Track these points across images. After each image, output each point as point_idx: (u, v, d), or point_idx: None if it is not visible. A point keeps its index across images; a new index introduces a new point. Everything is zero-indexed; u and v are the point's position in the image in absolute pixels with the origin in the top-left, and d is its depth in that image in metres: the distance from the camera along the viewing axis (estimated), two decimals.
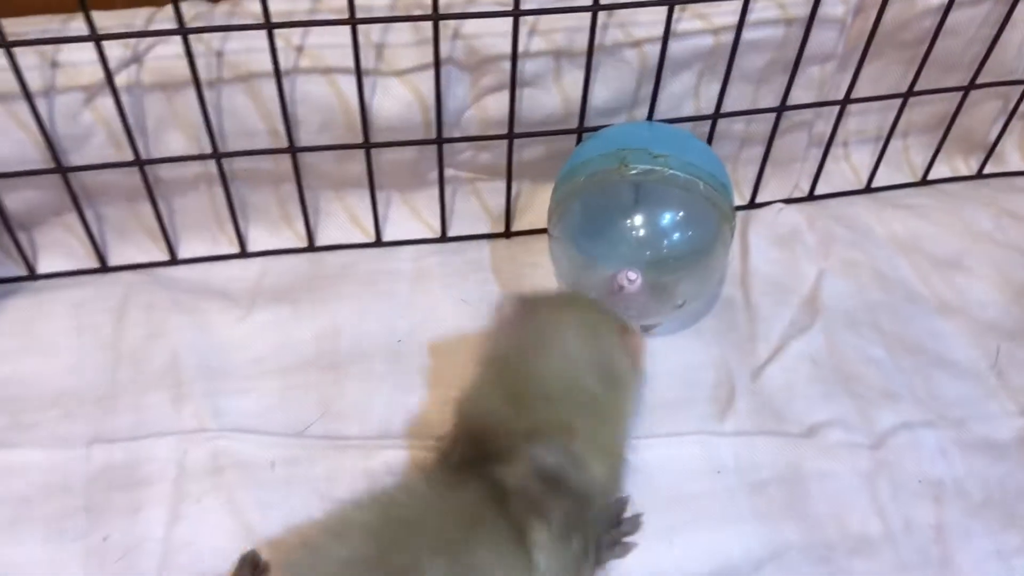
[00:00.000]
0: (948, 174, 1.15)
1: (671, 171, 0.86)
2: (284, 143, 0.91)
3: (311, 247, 1.00)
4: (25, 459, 0.83)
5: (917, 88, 1.01)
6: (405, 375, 0.90)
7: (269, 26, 0.81)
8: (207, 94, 0.86)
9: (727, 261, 0.96)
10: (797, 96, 1.00)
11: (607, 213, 0.88)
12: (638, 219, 0.87)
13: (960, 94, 1.04)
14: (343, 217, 1.02)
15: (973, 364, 0.95)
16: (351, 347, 0.92)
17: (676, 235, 0.87)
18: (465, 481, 0.72)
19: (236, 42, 0.86)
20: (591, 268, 0.89)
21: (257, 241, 1.01)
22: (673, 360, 0.94)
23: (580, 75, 0.91)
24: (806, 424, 0.89)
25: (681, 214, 0.87)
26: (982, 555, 0.80)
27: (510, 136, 0.94)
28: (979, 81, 1.02)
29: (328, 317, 0.94)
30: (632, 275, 0.85)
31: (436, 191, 0.99)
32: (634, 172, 0.86)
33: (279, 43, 0.85)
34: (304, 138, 0.92)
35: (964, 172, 1.15)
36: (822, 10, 0.91)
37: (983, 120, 1.11)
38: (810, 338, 0.96)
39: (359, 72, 0.85)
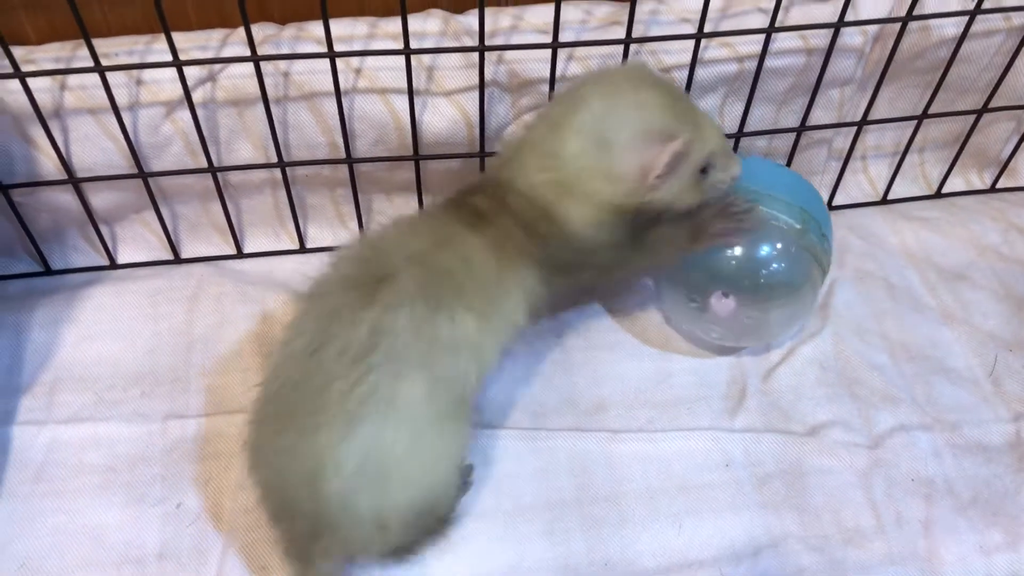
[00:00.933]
0: (962, 187, 1.21)
1: (774, 212, 0.91)
2: (342, 154, 1.00)
3: None
4: (110, 432, 0.94)
5: (932, 110, 1.07)
6: None
7: (332, 55, 0.89)
8: (274, 110, 0.95)
9: (815, 304, 1.01)
10: (817, 116, 1.06)
11: None
12: (737, 248, 0.91)
13: (974, 116, 1.10)
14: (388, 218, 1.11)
15: (971, 372, 1.01)
16: None
17: (771, 267, 0.92)
18: (445, 211, 0.87)
19: (301, 64, 0.95)
20: (685, 284, 0.96)
21: (315, 238, 1.10)
22: (691, 361, 1.02)
23: None
24: (810, 424, 0.97)
25: (778, 248, 0.92)
26: (966, 549, 0.88)
27: None
28: (992, 105, 1.08)
29: None
30: (724, 298, 0.92)
31: None
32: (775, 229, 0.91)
33: (340, 65, 0.93)
34: (360, 149, 1.00)
35: (978, 186, 1.21)
36: (841, 40, 0.97)
37: (997, 138, 1.17)
38: (819, 343, 1.03)
39: (411, 95, 0.94)
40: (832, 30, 0.96)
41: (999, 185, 1.21)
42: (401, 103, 0.96)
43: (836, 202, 1.17)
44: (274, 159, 0.99)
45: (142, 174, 0.98)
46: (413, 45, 0.91)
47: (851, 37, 0.99)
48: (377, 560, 0.85)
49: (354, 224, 1.09)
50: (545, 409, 0.97)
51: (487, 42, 0.92)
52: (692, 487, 0.92)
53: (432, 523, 0.85)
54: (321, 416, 0.75)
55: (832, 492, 0.92)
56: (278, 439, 0.77)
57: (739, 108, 1.03)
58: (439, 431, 0.80)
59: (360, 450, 0.75)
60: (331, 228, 1.10)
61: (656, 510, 0.90)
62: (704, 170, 0.85)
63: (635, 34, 0.93)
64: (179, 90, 0.92)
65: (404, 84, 0.94)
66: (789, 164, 1.11)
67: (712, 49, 0.98)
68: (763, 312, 0.94)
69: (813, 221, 0.93)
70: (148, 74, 0.94)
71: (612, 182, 0.82)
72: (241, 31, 0.93)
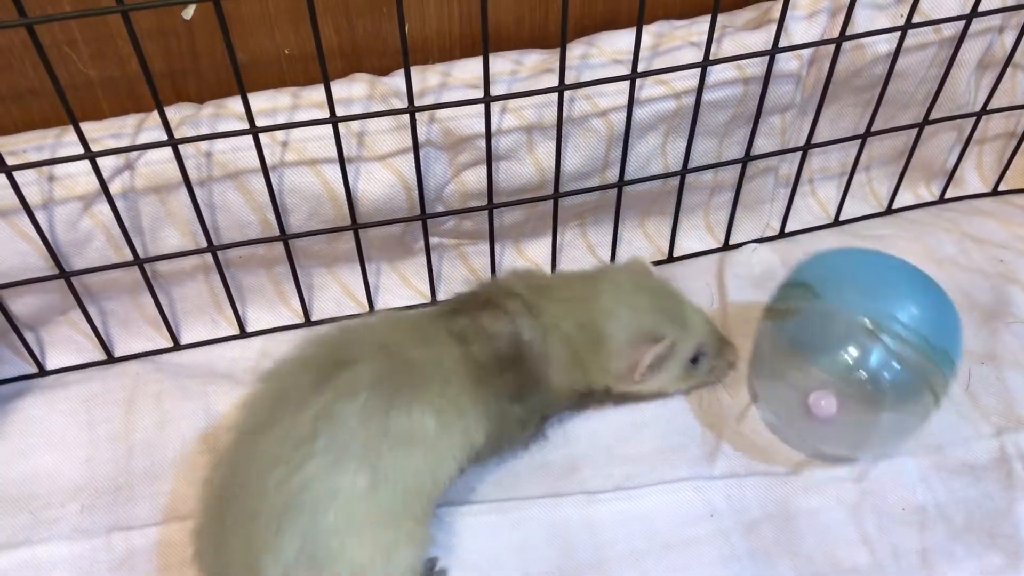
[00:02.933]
0: (912, 201, 1.19)
1: (900, 343, 0.83)
2: (275, 231, 0.95)
3: (308, 322, 1.05)
4: (50, 554, 0.87)
5: (874, 127, 1.06)
6: None
7: (254, 131, 0.85)
8: (199, 192, 0.91)
9: (921, 426, 0.90)
10: (761, 145, 1.05)
11: (828, 329, 0.86)
12: (853, 349, 0.84)
13: (916, 130, 1.09)
14: (336, 290, 1.06)
15: None
16: None
17: (884, 376, 0.83)
18: (438, 315, 0.89)
19: (223, 143, 0.90)
20: (791, 374, 0.88)
21: (256, 321, 1.05)
22: (661, 407, 0.98)
23: (552, 145, 0.95)
24: (792, 461, 0.93)
25: (895, 365, 0.83)
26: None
27: (490, 207, 0.98)
28: (933, 117, 1.07)
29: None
30: (826, 399, 0.84)
31: (423, 259, 1.04)
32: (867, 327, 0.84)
33: (265, 139, 0.89)
34: (294, 224, 0.96)
35: (927, 198, 1.20)
36: (777, 66, 0.96)
37: (941, 149, 1.16)
38: None
39: (343, 163, 0.90)
40: (767, 57, 0.94)
41: (948, 195, 1.20)
42: (333, 173, 0.92)
43: (789, 228, 1.15)
44: (203, 244, 0.94)
45: (63, 274, 0.92)
46: (340, 111, 0.87)
47: (786, 63, 0.97)
48: None
49: (296, 302, 1.04)
50: (516, 477, 0.93)
51: (417, 101, 0.89)
52: (678, 544, 0.88)
53: None
54: (259, 502, 0.73)
55: (823, 531, 0.88)
56: (220, 524, 0.75)
57: (681, 144, 1.01)
58: (385, 526, 0.77)
59: (297, 540, 0.73)
60: (272, 309, 1.05)
61: (644, 574, 0.86)
62: (695, 359, 0.93)
63: (568, 79, 0.90)
64: (95, 183, 0.87)
65: (334, 153, 0.90)
66: (737, 195, 1.08)
67: (648, 88, 0.96)
68: (868, 418, 0.85)
69: (936, 351, 0.84)
70: (61, 169, 0.89)
71: (605, 372, 0.91)
72: (157, 115, 0.88)
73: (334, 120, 0.86)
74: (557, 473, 0.93)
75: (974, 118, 1.11)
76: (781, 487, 0.91)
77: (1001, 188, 1.21)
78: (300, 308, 1.04)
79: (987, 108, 1.09)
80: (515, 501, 0.90)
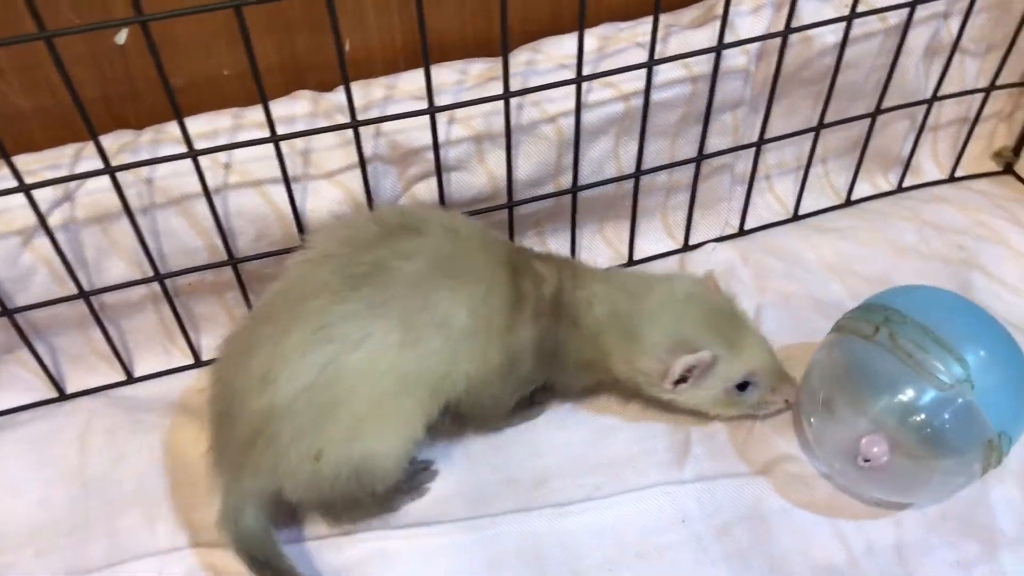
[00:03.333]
0: (870, 192, 1.19)
1: (968, 401, 0.78)
2: (223, 256, 0.92)
3: None
4: None
5: (827, 120, 1.06)
6: None
7: (193, 154, 0.83)
8: (141, 220, 0.88)
9: (967, 483, 0.84)
10: (714, 143, 1.04)
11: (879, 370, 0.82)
12: (910, 391, 0.79)
13: (868, 121, 1.09)
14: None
15: None
16: None
17: (933, 420, 0.78)
18: (501, 242, 0.91)
19: (164, 168, 0.88)
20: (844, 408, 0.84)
21: (211, 349, 1.02)
22: (628, 414, 0.96)
23: (502, 154, 0.94)
24: (762, 461, 0.92)
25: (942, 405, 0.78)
26: (944, 567, 0.84)
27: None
28: (884, 106, 1.07)
29: None
30: (877, 444, 0.80)
31: None
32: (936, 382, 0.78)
33: (207, 162, 0.87)
34: (242, 247, 0.93)
35: (885, 188, 1.19)
36: (725, 63, 0.95)
37: (895, 138, 1.16)
38: None
39: (288, 182, 0.88)
40: (714, 55, 0.93)
41: (906, 184, 1.19)
42: (279, 193, 0.90)
43: (748, 225, 1.14)
44: (150, 273, 0.92)
45: (6, 311, 0.90)
46: (282, 129, 0.85)
47: (734, 58, 0.96)
48: (307, 507, 0.85)
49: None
50: (485, 493, 0.90)
51: (362, 115, 0.87)
52: (651, 551, 0.86)
53: (368, 495, 0.82)
54: (295, 322, 0.76)
55: (797, 531, 0.87)
56: (250, 333, 0.79)
57: (634, 146, 1.00)
58: (396, 391, 0.79)
59: (318, 366, 0.75)
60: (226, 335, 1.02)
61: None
62: (742, 387, 0.89)
63: (514, 86, 0.89)
64: (33, 216, 0.84)
65: (279, 173, 0.88)
66: (693, 195, 1.07)
67: (596, 91, 0.95)
68: (920, 466, 0.81)
69: (1006, 421, 0.79)
70: None
71: (631, 368, 0.88)
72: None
73: (275, 139, 0.84)
74: (526, 487, 0.91)
75: (926, 105, 1.10)
76: (753, 487, 0.90)
77: (958, 174, 1.21)
78: None
79: (937, 95, 1.09)
80: (484, 518, 0.88)
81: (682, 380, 0.87)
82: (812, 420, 0.88)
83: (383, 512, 0.87)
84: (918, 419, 0.78)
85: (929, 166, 1.21)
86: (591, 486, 0.90)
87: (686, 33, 0.96)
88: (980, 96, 1.13)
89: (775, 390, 0.91)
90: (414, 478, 0.90)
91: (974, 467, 0.80)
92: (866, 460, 0.80)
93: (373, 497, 0.83)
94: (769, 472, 0.91)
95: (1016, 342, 0.82)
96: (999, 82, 1.11)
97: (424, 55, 0.82)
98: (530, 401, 0.95)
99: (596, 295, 0.88)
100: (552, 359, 0.89)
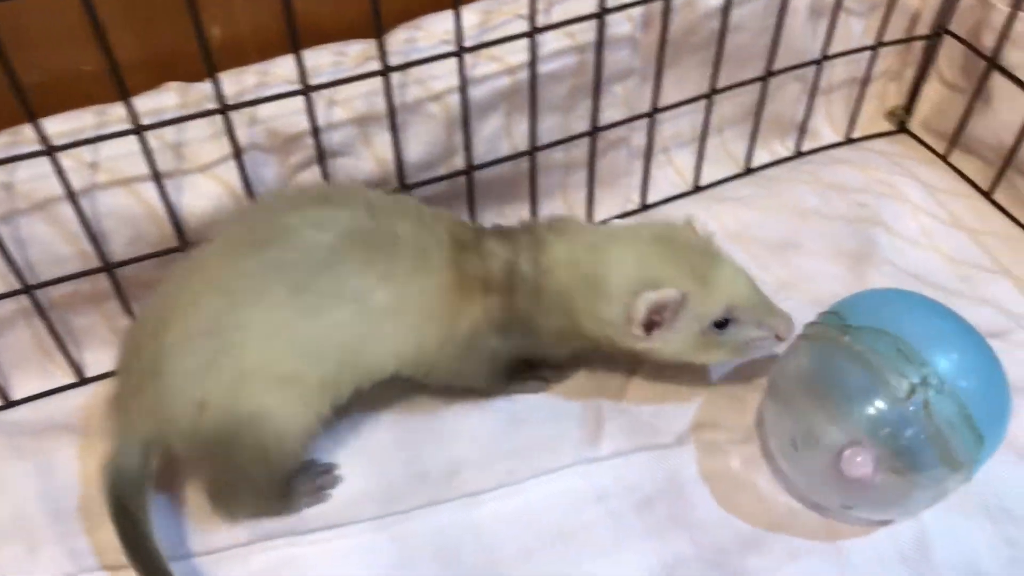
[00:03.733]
0: (769, 159, 1.19)
1: (937, 410, 0.73)
2: (96, 262, 0.87)
3: None
4: None
5: (719, 85, 1.05)
6: None
7: (50, 150, 0.77)
8: (3, 229, 0.82)
9: (928, 503, 0.80)
10: (608, 115, 1.02)
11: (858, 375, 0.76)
12: (880, 403, 0.74)
13: (761, 84, 1.08)
14: None
15: None
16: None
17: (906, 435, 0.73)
18: (443, 219, 0.86)
19: (23, 171, 0.82)
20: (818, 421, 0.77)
21: (95, 364, 0.96)
22: (539, 396, 0.93)
23: (388, 136, 0.90)
24: (678, 432, 0.90)
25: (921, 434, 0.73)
26: (867, 526, 0.82)
27: None
28: (775, 68, 1.06)
29: None
30: (860, 455, 0.74)
31: None
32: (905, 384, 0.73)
33: (70, 163, 0.82)
34: (116, 251, 0.88)
35: (784, 154, 1.19)
36: (609, 31, 0.93)
37: (789, 102, 1.16)
38: None
39: (158, 178, 0.83)
40: (597, 22, 0.91)
41: (804, 149, 1.19)
42: (151, 190, 0.85)
43: (650, 199, 1.12)
44: (16, 286, 0.85)
45: None
46: (150, 123, 0.80)
47: (619, 26, 0.95)
48: (198, 473, 0.84)
49: None
50: (393, 490, 0.86)
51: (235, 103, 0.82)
52: (569, 532, 0.83)
53: (263, 476, 0.80)
54: (196, 273, 0.78)
55: (718, 500, 0.85)
56: (164, 284, 0.80)
57: (525, 123, 0.97)
58: (294, 357, 0.77)
59: (209, 315, 0.76)
60: (110, 348, 0.95)
61: (538, 570, 0.81)
62: (721, 325, 0.82)
63: (395, 65, 0.85)
64: None
65: (149, 169, 0.82)
66: (592, 170, 1.05)
67: (481, 66, 0.92)
68: (901, 480, 0.75)
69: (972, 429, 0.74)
70: None
71: (599, 322, 0.83)
72: None
73: (139, 129, 0.79)
74: (436, 479, 0.87)
75: (816, 67, 1.10)
76: (669, 459, 0.88)
77: (854, 136, 1.21)
78: None
79: (826, 55, 1.09)
80: (395, 515, 0.84)
81: (654, 326, 0.81)
82: (780, 435, 0.83)
83: (282, 511, 0.84)
84: (888, 432, 0.73)
85: (826, 130, 1.21)
86: (504, 472, 0.87)
87: (569, 2, 0.94)
88: (868, 56, 1.13)
89: (762, 324, 0.83)
90: (314, 480, 0.85)
91: (946, 483, 0.76)
92: (849, 474, 0.74)
93: (268, 483, 0.81)
94: (685, 442, 0.89)
95: (988, 346, 0.78)
96: (884, 39, 1.12)
97: (292, 34, 0.78)
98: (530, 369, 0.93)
99: (558, 259, 0.84)
100: (524, 333, 0.86)
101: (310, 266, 0.77)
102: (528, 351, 0.90)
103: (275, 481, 0.82)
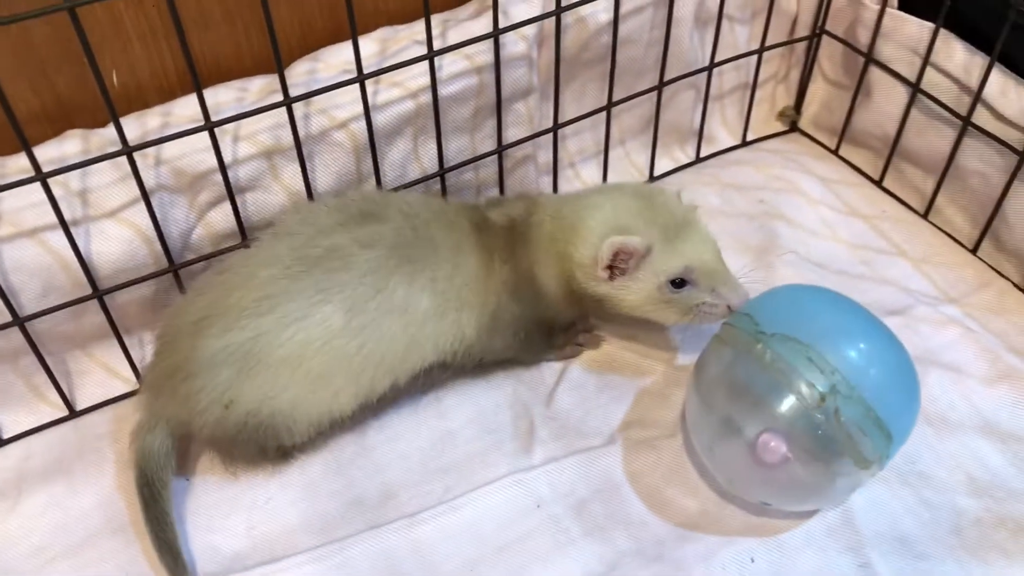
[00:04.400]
0: (671, 166, 1.22)
1: (846, 415, 0.74)
2: (6, 317, 0.85)
3: (72, 413, 0.94)
4: None
5: (616, 98, 1.08)
6: (202, 512, 0.86)
7: None
8: None
9: (840, 499, 0.84)
10: (513, 133, 1.04)
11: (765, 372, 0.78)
12: (792, 407, 0.75)
13: (656, 94, 1.12)
14: (99, 373, 0.96)
15: None
16: (137, 504, 0.87)
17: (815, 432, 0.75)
18: (461, 208, 0.93)
19: None
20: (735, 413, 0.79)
21: (11, 425, 0.93)
22: (468, 410, 0.94)
23: (297, 167, 0.91)
24: (607, 432, 0.92)
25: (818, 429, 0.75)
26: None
27: (246, 244, 0.92)
28: (667, 78, 1.10)
29: (107, 480, 0.88)
30: (773, 439, 0.76)
31: None
32: (816, 394, 0.75)
33: None
34: (27, 304, 0.86)
35: (684, 161, 1.23)
36: (505, 51, 0.96)
37: (685, 110, 1.20)
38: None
39: (66, 226, 0.82)
40: (493, 42, 0.94)
41: (703, 154, 1.24)
42: (59, 239, 0.84)
43: None
44: None
45: None
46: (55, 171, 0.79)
47: (513, 46, 0.97)
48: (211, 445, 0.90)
49: (54, 395, 0.93)
50: (329, 520, 0.86)
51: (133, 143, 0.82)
52: (511, 542, 0.84)
53: (272, 446, 0.86)
54: (245, 282, 0.81)
55: (651, 494, 0.87)
56: (205, 280, 0.85)
57: (433, 146, 0.99)
58: (329, 371, 0.83)
59: (249, 331, 0.80)
60: (27, 407, 0.94)
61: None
62: (678, 284, 0.85)
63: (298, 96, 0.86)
64: None
65: (56, 218, 0.81)
66: (502, 189, 1.07)
67: (383, 92, 0.93)
68: (818, 469, 0.77)
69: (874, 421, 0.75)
70: None
71: (578, 267, 0.88)
72: None
73: (41, 176, 0.78)
74: (373, 504, 0.87)
75: (707, 75, 1.15)
76: (601, 460, 0.89)
77: (749, 138, 1.26)
78: (60, 400, 0.93)
79: (714, 62, 1.14)
80: (332, 544, 0.83)
81: (617, 272, 0.86)
82: (700, 433, 0.85)
83: (278, 463, 0.89)
84: (801, 426, 0.75)
85: (722, 134, 1.26)
86: (440, 490, 0.88)
87: (464, 25, 0.97)
88: (755, 61, 1.19)
89: (715, 292, 0.86)
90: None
91: (859, 475, 0.78)
92: (766, 459, 0.76)
93: (276, 452, 0.87)
94: (615, 442, 0.91)
95: (894, 338, 0.80)
96: (767, 44, 1.17)
97: (192, 72, 0.78)
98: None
99: (548, 212, 0.91)
100: (533, 294, 0.90)
101: (357, 286, 0.82)
102: (543, 314, 0.93)
103: (282, 450, 0.88)
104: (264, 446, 0.86)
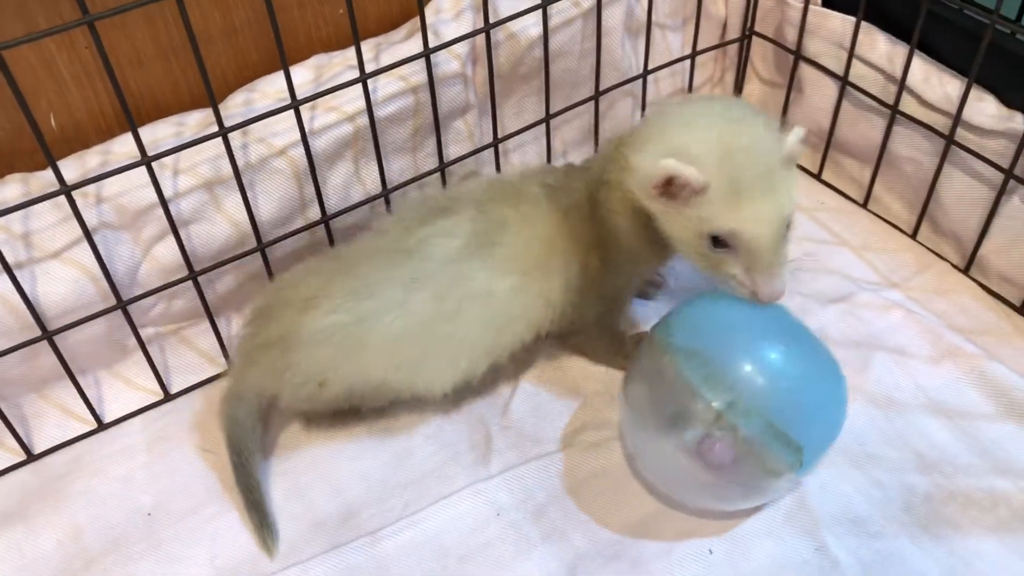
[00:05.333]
0: None
1: (746, 432, 0.75)
2: None
3: (30, 457, 0.94)
4: None
5: (553, 110, 1.10)
6: (164, 545, 0.86)
7: None
8: None
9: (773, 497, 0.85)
10: (454, 151, 1.06)
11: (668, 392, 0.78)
12: (694, 426, 0.76)
13: (593, 104, 1.14)
14: (55, 414, 0.96)
15: None
16: (100, 541, 0.87)
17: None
18: (533, 175, 0.95)
19: None
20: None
21: None
22: (426, 427, 0.95)
23: (239, 197, 0.92)
24: (558, 438, 0.93)
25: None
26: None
27: (193, 276, 0.93)
28: (603, 87, 1.12)
29: (66, 520, 0.88)
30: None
31: (141, 354, 0.96)
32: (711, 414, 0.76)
33: None
34: None
35: None
36: (439, 69, 0.98)
37: (624, 119, 1.22)
38: (540, 360, 1.01)
39: (9, 269, 0.82)
40: (425, 61, 0.95)
41: None
42: (4, 283, 0.84)
43: None
44: None
45: None
46: None
47: (447, 64, 0.99)
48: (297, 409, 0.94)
49: (11, 440, 0.93)
50: (290, 543, 0.86)
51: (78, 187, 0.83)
52: (473, 552, 0.85)
53: (352, 407, 0.92)
54: (350, 269, 0.87)
55: (606, 495, 0.88)
56: (316, 262, 0.90)
57: (375, 168, 1.00)
58: (425, 355, 0.87)
59: (354, 313, 0.85)
60: None
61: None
62: (718, 243, 0.78)
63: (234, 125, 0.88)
64: None
65: None
66: None
67: (320, 117, 0.95)
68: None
69: (777, 436, 0.76)
70: None
71: (632, 175, 0.82)
72: None
73: None
74: (334, 525, 0.87)
75: (642, 82, 1.17)
76: (558, 464, 0.91)
77: None
78: (17, 444, 0.93)
79: (648, 69, 1.16)
80: (295, 567, 0.84)
81: (669, 196, 0.78)
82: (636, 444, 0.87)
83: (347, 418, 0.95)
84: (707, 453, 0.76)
85: None
86: (400, 506, 0.88)
87: (396, 47, 0.98)
88: (688, 66, 1.21)
89: (749, 273, 0.79)
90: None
91: (777, 486, 0.80)
92: (710, 463, 0.77)
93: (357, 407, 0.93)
94: (569, 446, 0.92)
95: (815, 343, 0.80)
96: (699, 48, 1.20)
97: (124, 109, 0.79)
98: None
99: (627, 142, 0.85)
100: (613, 247, 0.89)
101: (442, 275, 0.86)
102: (624, 266, 0.91)
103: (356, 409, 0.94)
104: (344, 412, 0.93)
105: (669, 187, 0.77)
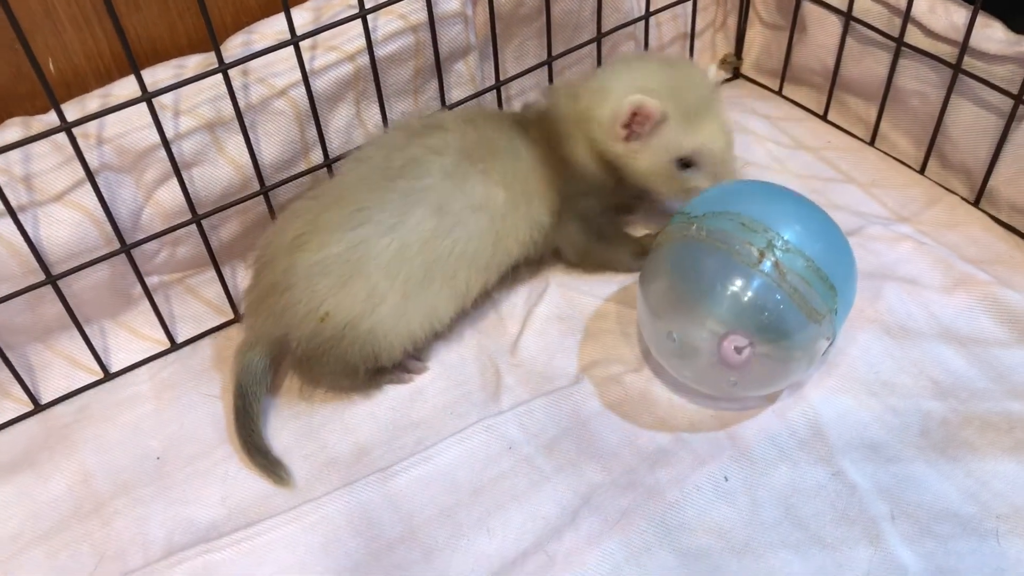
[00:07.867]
0: None
1: (788, 267, 0.77)
2: None
3: (37, 407, 0.93)
4: None
5: (556, 52, 1.09)
6: (175, 487, 0.86)
7: None
8: None
9: (807, 368, 0.84)
10: (456, 94, 1.05)
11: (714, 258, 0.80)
12: (738, 279, 0.78)
13: (595, 46, 1.13)
14: (61, 364, 0.96)
15: None
16: (109, 485, 0.86)
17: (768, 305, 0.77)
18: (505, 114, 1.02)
19: None
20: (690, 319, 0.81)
21: None
22: (437, 367, 0.95)
23: (240, 139, 0.91)
24: (572, 373, 0.93)
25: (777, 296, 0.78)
26: (762, 418, 0.86)
27: (196, 219, 0.92)
28: (605, 29, 1.11)
29: (75, 466, 0.88)
30: (737, 341, 0.78)
31: (147, 303, 0.95)
32: (754, 251, 0.78)
33: None
34: None
35: None
36: (439, 8, 0.97)
37: None
38: (549, 299, 1.00)
39: (13, 213, 0.81)
40: (426, 2, 0.94)
41: None
42: (6, 226, 0.84)
43: None
44: None
45: None
46: None
47: (447, 3, 0.98)
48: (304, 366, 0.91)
49: (18, 389, 0.92)
50: (304, 482, 0.86)
51: (79, 129, 0.82)
52: (485, 486, 0.84)
53: (363, 366, 0.88)
54: (337, 201, 0.86)
55: (620, 427, 0.88)
56: (298, 205, 0.89)
57: (376, 110, 0.99)
58: (426, 276, 0.87)
59: (347, 242, 0.84)
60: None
61: (459, 526, 0.81)
62: (686, 164, 0.93)
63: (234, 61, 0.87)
64: None
65: (2, 206, 0.81)
66: None
67: (320, 57, 0.94)
68: (775, 355, 0.79)
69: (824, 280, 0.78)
70: None
71: (597, 125, 0.93)
72: None
73: None
74: (346, 463, 0.87)
75: (644, 25, 1.16)
76: (568, 399, 0.90)
77: None
78: (25, 394, 0.93)
79: (650, 11, 1.15)
80: (309, 504, 0.83)
81: (634, 136, 0.91)
82: (658, 344, 0.86)
83: (366, 390, 0.92)
84: (752, 309, 0.77)
85: None
86: (412, 443, 0.88)
87: None
88: (690, 10, 1.20)
89: (718, 178, 0.93)
90: (404, 363, 0.93)
91: (817, 344, 0.80)
92: (730, 363, 0.79)
93: (365, 373, 0.89)
94: (580, 381, 0.91)
95: (827, 216, 0.83)
96: None
97: (126, 49, 0.77)
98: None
99: (562, 96, 0.97)
100: (581, 179, 0.95)
101: (440, 188, 0.87)
102: (597, 196, 0.97)
103: (372, 371, 0.90)
104: (356, 367, 0.88)
105: (635, 125, 0.90)
